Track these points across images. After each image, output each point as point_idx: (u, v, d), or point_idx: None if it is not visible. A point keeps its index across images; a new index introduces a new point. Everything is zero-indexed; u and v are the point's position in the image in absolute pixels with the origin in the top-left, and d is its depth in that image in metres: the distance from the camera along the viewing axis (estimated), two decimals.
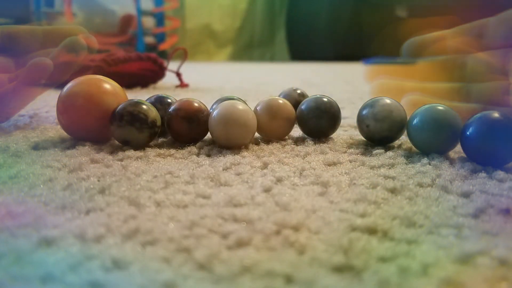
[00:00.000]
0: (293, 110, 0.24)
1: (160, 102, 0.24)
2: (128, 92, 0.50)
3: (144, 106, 0.21)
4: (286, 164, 0.19)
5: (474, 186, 0.16)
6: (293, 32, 2.14)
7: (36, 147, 0.22)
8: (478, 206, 0.14)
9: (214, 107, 0.23)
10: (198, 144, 0.22)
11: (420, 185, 0.16)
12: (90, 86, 0.22)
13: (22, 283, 0.10)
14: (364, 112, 0.22)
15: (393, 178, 0.17)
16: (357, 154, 0.21)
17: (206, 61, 2.09)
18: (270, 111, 0.23)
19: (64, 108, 0.22)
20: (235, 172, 0.18)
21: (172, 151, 0.21)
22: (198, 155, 0.21)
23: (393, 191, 0.16)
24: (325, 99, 0.23)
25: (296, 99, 0.27)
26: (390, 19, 1.78)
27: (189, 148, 0.21)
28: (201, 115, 0.22)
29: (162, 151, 0.21)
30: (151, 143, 0.22)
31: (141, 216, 0.13)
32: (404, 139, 0.23)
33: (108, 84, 0.23)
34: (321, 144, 0.23)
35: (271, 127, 0.23)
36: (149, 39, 1.81)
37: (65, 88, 0.23)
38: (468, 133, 0.18)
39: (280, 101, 0.23)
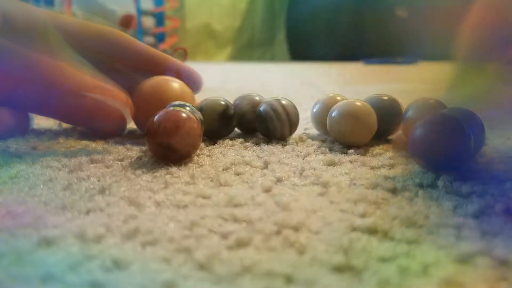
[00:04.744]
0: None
1: None
2: None
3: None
4: (286, 164, 0.19)
5: (474, 186, 0.16)
6: (293, 32, 2.13)
7: (36, 147, 0.22)
8: (478, 206, 0.14)
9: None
10: None
11: (420, 185, 0.16)
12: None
13: (22, 283, 0.10)
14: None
15: (393, 178, 0.17)
16: (357, 154, 0.21)
17: (206, 61, 2.09)
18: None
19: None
20: (235, 172, 0.18)
21: None
22: (198, 155, 0.21)
23: (393, 191, 0.16)
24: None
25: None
26: (390, 19, 1.78)
27: None
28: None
29: None
30: None
31: (141, 216, 0.13)
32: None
33: (176, 83, 0.24)
34: (321, 144, 0.23)
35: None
36: (149, 39, 1.81)
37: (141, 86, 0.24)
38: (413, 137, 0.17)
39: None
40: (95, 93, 0.21)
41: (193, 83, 0.26)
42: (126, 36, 0.25)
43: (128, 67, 0.26)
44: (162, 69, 0.25)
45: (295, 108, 0.24)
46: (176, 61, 0.26)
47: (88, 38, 0.24)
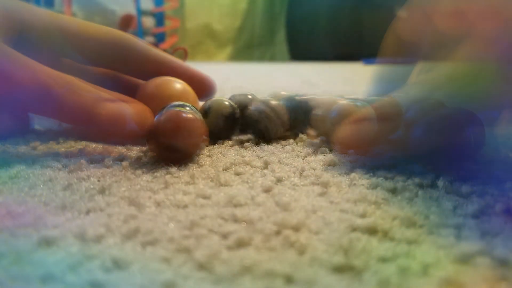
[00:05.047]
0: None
1: None
2: None
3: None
4: (286, 164, 0.19)
5: (474, 186, 0.16)
6: (293, 32, 2.13)
7: (36, 147, 0.22)
8: (478, 206, 0.14)
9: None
10: None
11: (420, 185, 0.16)
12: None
13: (22, 283, 0.10)
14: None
15: (393, 178, 0.17)
16: (357, 154, 0.21)
17: (206, 61, 2.09)
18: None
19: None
20: (235, 172, 0.18)
21: None
22: (198, 155, 0.21)
23: (393, 191, 0.16)
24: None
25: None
26: (390, 19, 1.78)
27: None
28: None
29: None
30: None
31: (141, 216, 0.13)
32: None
33: (179, 84, 0.24)
34: (321, 144, 0.23)
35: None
36: (149, 39, 1.81)
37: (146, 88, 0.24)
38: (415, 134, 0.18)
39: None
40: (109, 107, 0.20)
41: (204, 87, 0.26)
42: (129, 38, 0.25)
43: (131, 69, 0.26)
44: (166, 71, 0.25)
45: (285, 107, 0.24)
46: (186, 66, 0.26)
47: (89, 39, 0.24)
